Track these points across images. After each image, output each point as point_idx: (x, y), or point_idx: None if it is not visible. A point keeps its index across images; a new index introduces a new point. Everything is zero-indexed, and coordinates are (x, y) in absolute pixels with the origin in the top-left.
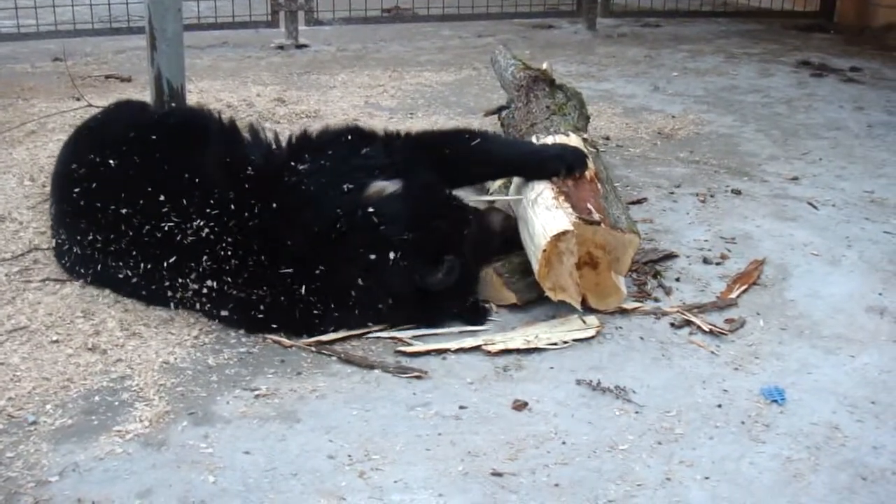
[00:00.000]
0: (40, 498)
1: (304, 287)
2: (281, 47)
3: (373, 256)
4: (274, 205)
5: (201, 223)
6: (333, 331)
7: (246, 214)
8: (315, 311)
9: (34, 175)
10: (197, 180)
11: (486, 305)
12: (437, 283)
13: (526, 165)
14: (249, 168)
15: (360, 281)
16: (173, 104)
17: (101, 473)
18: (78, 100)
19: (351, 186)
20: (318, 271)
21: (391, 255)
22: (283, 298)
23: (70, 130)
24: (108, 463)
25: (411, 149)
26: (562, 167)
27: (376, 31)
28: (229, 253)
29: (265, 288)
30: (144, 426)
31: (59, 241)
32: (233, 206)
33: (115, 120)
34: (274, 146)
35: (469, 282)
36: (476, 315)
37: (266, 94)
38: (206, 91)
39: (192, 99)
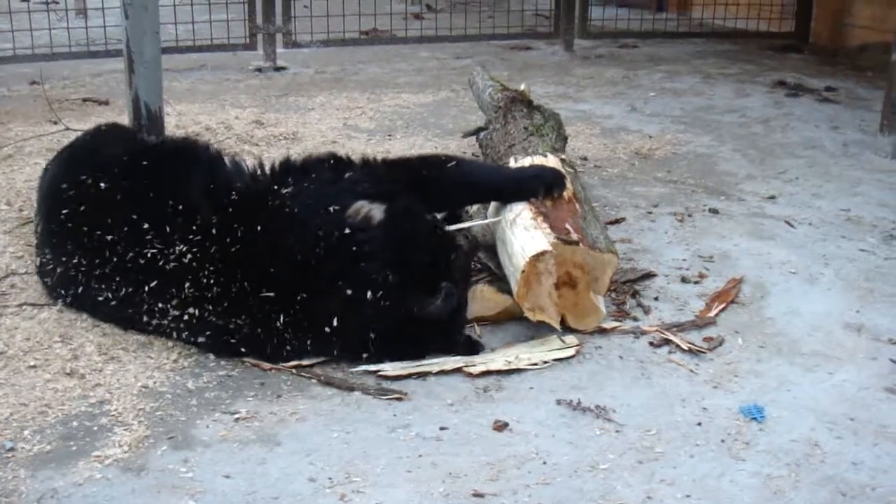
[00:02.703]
0: None
1: (282, 317)
2: (259, 70)
3: (349, 292)
4: (258, 228)
5: (184, 248)
6: None
7: (229, 239)
8: (292, 344)
9: (10, 199)
10: (180, 206)
11: (477, 339)
12: (435, 312)
13: (505, 187)
14: (233, 193)
15: (338, 317)
16: (154, 133)
17: (80, 499)
18: (55, 123)
19: (335, 208)
20: (298, 299)
21: (369, 293)
22: (260, 328)
23: (47, 154)
24: (87, 489)
25: (391, 173)
26: (540, 188)
27: (354, 53)
28: (211, 279)
29: (244, 316)
30: (124, 451)
31: (44, 260)
32: (216, 231)
33: (105, 143)
34: (258, 172)
35: (460, 311)
36: (471, 350)
37: (244, 117)
38: (184, 114)
39: (170, 122)
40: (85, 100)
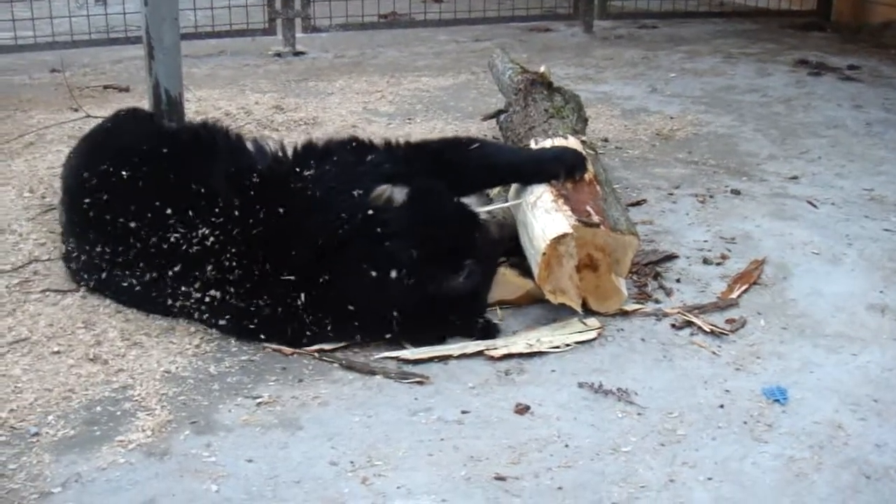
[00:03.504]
0: None
1: (304, 299)
2: (278, 55)
3: (374, 273)
4: (280, 210)
5: (207, 231)
6: None
7: (251, 221)
8: (313, 328)
9: (33, 187)
10: (203, 190)
11: (497, 323)
12: (459, 289)
13: (526, 169)
14: (255, 176)
15: (361, 298)
16: (174, 119)
17: (103, 484)
18: (76, 110)
19: (359, 192)
20: (320, 281)
21: (393, 273)
22: (282, 311)
23: (69, 141)
24: (110, 473)
25: (413, 156)
26: (561, 170)
27: (373, 37)
28: (234, 262)
29: (267, 299)
30: (147, 436)
31: (69, 248)
32: (238, 214)
33: (126, 129)
34: (280, 154)
35: (482, 292)
36: (487, 334)
37: (264, 102)
38: (204, 99)
39: (190, 108)
40: (105, 87)
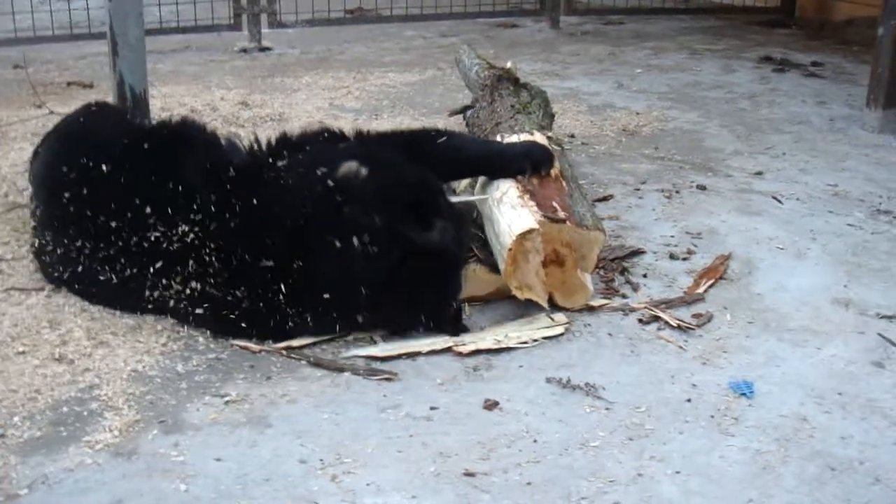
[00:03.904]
0: None
1: (282, 287)
2: (244, 50)
3: (337, 244)
4: (254, 201)
5: (186, 228)
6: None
7: (228, 215)
8: (294, 317)
9: None
10: (181, 187)
11: (465, 317)
12: (431, 243)
13: (492, 163)
14: (231, 170)
15: (329, 272)
16: (140, 116)
17: (71, 485)
18: (39, 107)
19: (323, 170)
20: (294, 267)
21: (356, 240)
22: (262, 301)
23: (32, 139)
24: (78, 474)
25: (384, 143)
26: (528, 165)
27: (340, 32)
28: (213, 255)
29: (246, 289)
30: (114, 436)
31: (42, 242)
32: (215, 209)
33: (101, 124)
34: (255, 148)
35: (454, 273)
36: (457, 327)
37: (230, 98)
38: (169, 96)
39: (155, 104)
40: (69, 83)
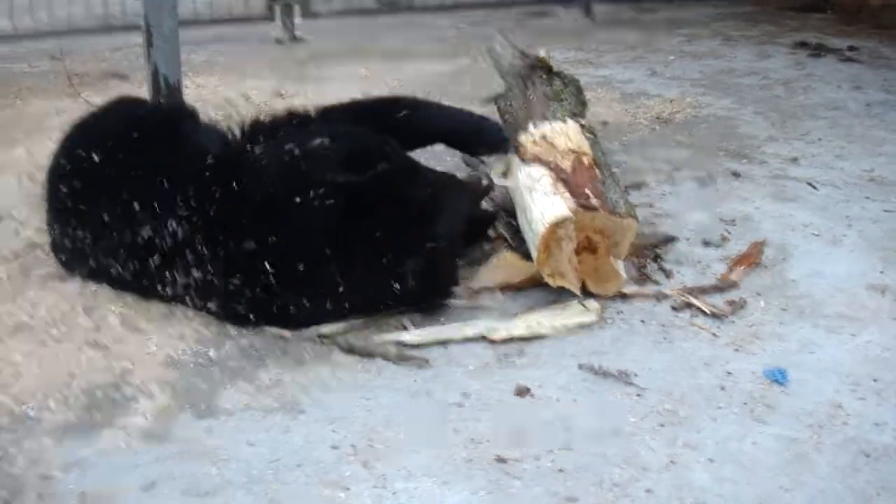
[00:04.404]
0: (45, 493)
1: (270, 268)
2: (277, 41)
3: (297, 199)
4: (234, 188)
5: (175, 221)
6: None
7: (213, 207)
8: (289, 298)
9: (33, 174)
10: (162, 178)
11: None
12: (353, 182)
13: (469, 139)
14: (210, 158)
15: (295, 234)
16: (160, 100)
17: (104, 467)
18: (75, 98)
19: (291, 145)
20: (278, 245)
21: (311, 193)
22: (259, 286)
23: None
24: (111, 457)
25: (346, 119)
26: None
27: (373, 22)
28: (204, 246)
29: (242, 277)
30: (147, 420)
31: (54, 235)
32: (197, 202)
33: (106, 118)
34: (230, 137)
35: (444, 264)
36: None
37: (263, 89)
38: (203, 86)
39: (189, 95)
40: (105, 74)
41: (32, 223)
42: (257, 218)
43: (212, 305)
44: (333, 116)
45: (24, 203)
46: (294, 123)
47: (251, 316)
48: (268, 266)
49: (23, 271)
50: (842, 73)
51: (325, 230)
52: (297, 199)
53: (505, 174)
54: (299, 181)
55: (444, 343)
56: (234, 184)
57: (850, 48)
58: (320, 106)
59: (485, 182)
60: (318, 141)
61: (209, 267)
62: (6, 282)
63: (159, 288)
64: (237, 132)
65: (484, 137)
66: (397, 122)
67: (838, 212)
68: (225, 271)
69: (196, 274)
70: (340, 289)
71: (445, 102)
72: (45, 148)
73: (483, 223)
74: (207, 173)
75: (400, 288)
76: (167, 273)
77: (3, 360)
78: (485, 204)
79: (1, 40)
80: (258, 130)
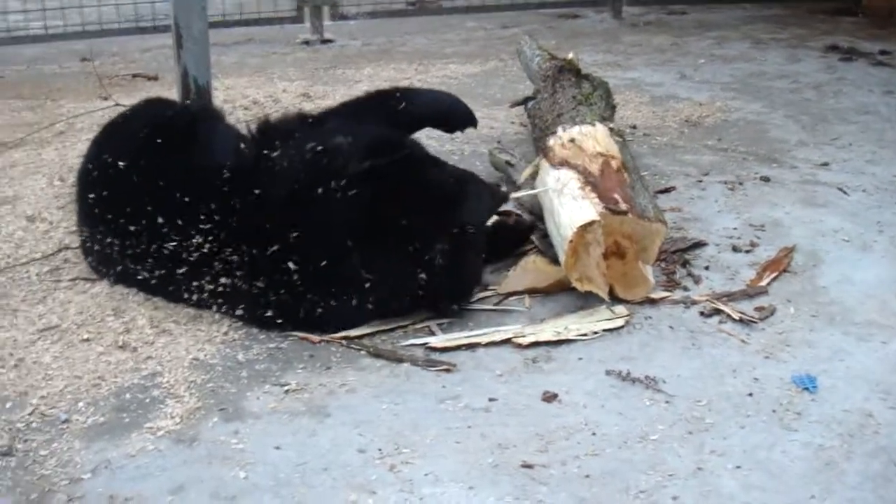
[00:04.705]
0: (73, 495)
1: (295, 268)
2: (306, 42)
3: (323, 191)
4: (259, 187)
5: (199, 226)
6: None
7: (233, 215)
8: (315, 298)
9: (63, 175)
10: (188, 182)
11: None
12: (358, 168)
13: (447, 119)
14: (225, 171)
15: (316, 227)
16: (188, 102)
17: (133, 470)
18: (105, 99)
19: (312, 144)
20: (299, 237)
21: (332, 183)
22: (284, 290)
23: (98, 130)
24: (140, 460)
25: (357, 116)
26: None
27: (401, 24)
28: (228, 253)
29: (267, 282)
30: (175, 423)
31: (83, 238)
32: (218, 211)
33: (134, 121)
34: (242, 146)
35: (470, 253)
36: (446, 307)
37: (292, 90)
38: (232, 88)
39: (218, 96)
40: (134, 75)
41: (63, 225)
42: (284, 217)
43: (239, 311)
44: (342, 115)
45: (55, 204)
46: (309, 123)
47: (279, 320)
48: (294, 265)
49: (53, 273)
50: (873, 78)
51: (352, 221)
52: (323, 191)
53: (533, 177)
54: (325, 174)
55: (471, 347)
56: (260, 186)
57: (882, 52)
58: (324, 108)
59: (503, 189)
60: (339, 138)
61: (236, 272)
62: (36, 283)
63: (185, 295)
64: (253, 134)
65: (458, 115)
66: (399, 113)
67: (869, 217)
68: (252, 275)
69: (223, 280)
70: (367, 283)
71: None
72: (75, 150)
73: (522, 231)
74: (232, 177)
75: (426, 278)
76: (194, 279)
77: (34, 362)
78: (523, 212)
79: (32, 41)
80: (272, 133)
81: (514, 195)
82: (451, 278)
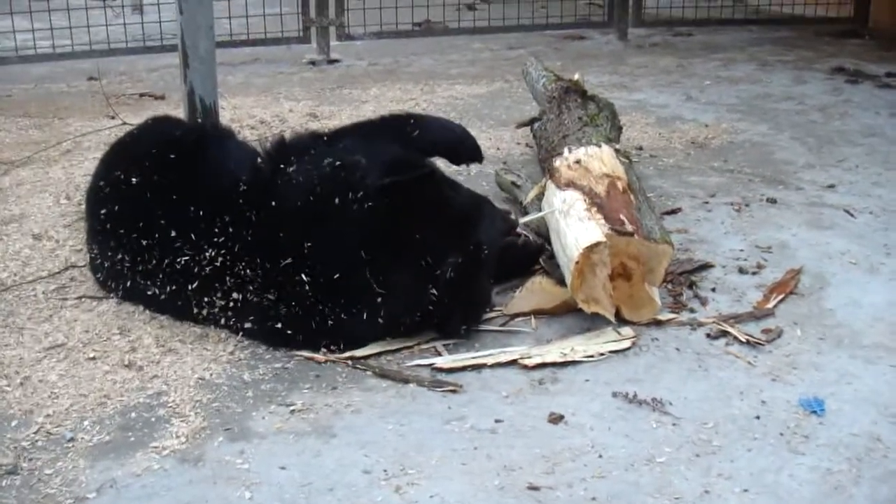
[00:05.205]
0: None
1: (308, 281)
2: (313, 63)
3: (340, 203)
4: (272, 204)
5: (210, 243)
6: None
7: (248, 229)
8: (327, 311)
9: (70, 194)
10: (198, 200)
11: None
12: (377, 183)
13: (457, 150)
14: (241, 185)
15: (331, 239)
16: (199, 120)
17: (138, 489)
18: (112, 118)
19: (329, 160)
20: (315, 255)
21: (350, 195)
22: (297, 305)
23: (105, 149)
24: (145, 479)
25: (375, 134)
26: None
27: (407, 45)
28: (242, 268)
29: (281, 296)
30: (181, 442)
31: (93, 255)
32: (233, 226)
33: (144, 138)
34: (258, 161)
35: (482, 272)
36: (455, 327)
37: (298, 110)
38: (238, 107)
39: (224, 116)
40: (141, 95)
41: (69, 243)
42: (299, 229)
43: (248, 325)
44: (355, 136)
45: (61, 223)
46: (324, 141)
47: (289, 332)
48: (308, 276)
49: (59, 291)
50: (879, 100)
51: (366, 234)
52: (340, 203)
53: (539, 198)
54: (343, 188)
55: (477, 368)
56: (277, 198)
57: (889, 74)
58: (336, 128)
59: (513, 216)
60: (356, 156)
61: (248, 285)
62: (43, 301)
63: (195, 310)
64: (269, 151)
65: (466, 149)
66: (412, 140)
67: (876, 240)
68: (264, 287)
69: (234, 294)
70: (379, 297)
71: (480, 125)
72: (82, 168)
73: (531, 254)
74: (248, 190)
75: (437, 294)
76: (204, 294)
77: (40, 381)
78: (530, 234)
79: (40, 60)
80: (288, 149)
81: (522, 220)
82: (462, 297)
